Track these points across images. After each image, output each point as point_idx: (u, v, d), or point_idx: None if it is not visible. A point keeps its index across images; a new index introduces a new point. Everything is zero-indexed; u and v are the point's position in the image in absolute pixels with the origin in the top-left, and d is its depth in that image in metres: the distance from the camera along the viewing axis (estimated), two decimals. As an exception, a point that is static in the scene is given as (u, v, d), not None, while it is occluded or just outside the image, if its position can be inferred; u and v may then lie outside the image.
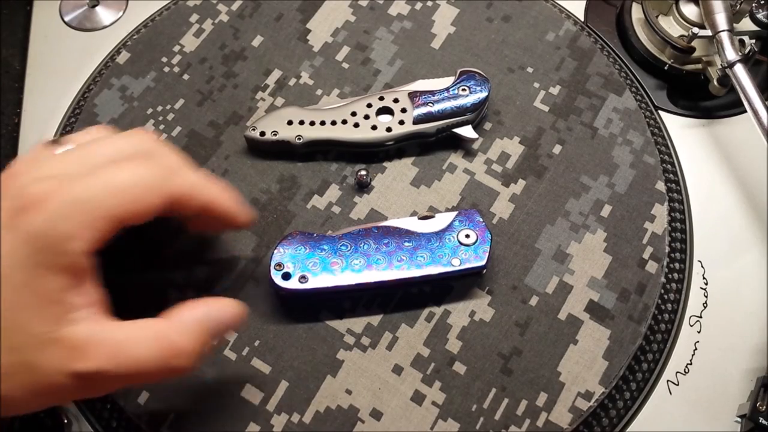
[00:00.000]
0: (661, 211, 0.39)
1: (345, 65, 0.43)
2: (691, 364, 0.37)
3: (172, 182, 0.30)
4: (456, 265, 0.35)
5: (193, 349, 0.30)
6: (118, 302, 0.37)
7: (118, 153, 0.30)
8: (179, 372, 0.29)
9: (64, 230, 0.28)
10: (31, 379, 0.28)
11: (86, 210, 0.28)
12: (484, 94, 0.40)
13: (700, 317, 0.38)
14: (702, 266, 0.40)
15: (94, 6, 0.46)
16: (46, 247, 0.27)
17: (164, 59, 0.44)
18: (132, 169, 0.30)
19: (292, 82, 0.43)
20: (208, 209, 0.32)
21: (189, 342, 0.30)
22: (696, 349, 0.38)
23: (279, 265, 0.35)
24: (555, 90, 0.42)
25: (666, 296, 0.38)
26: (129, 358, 0.28)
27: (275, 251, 0.36)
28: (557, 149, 0.41)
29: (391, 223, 0.37)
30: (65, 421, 0.34)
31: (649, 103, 0.43)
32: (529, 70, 0.43)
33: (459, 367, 0.36)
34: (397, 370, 0.36)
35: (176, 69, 0.43)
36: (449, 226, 0.36)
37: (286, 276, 0.35)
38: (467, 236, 0.36)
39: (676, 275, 0.39)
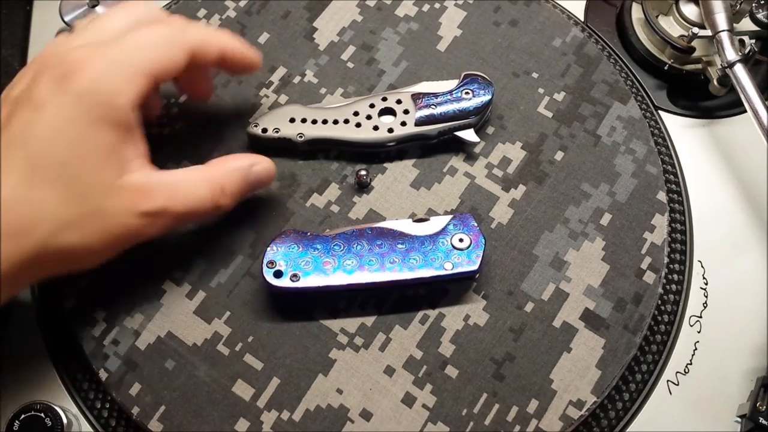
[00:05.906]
0: (661, 221, 0.39)
1: (350, 65, 0.43)
2: (691, 364, 0.37)
3: (188, 35, 0.34)
4: (448, 269, 0.35)
5: (236, 191, 0.35)
6: (115, 295, 0.38)
7: (133, 19, 0.34)
8: (221, 211, 0.34)
9: (110, 87, 0.31)
10: (103, 223, 0.31)
11: (125, 67, 0.31)
12: (487, 98, 0.40)
13: (700, 317, 0.38)
14: (702, 266, 0.39)
15: (94, 6, 0.46)
16: (96, 103, 0.31)
17: (170, 53, 0.44)
18: (153, 28, 0.33)
19: (296, 79, 0.43)
20: (224, 55, 0.36)
21: (233, 185, 0.34)
22: (696, 349, 0.38)
23: (271, 263, 0.35)
24: (559, 96, 0.42)
25: (663, 307, 0.38)
26: (186, 196, 0.33)
27: (268, 249, 0.36)
28: (559, 156, 0.41)
29: (385, 224, 0.37)
30: (65, 421, 0.34)
31: (654, 112, 0.43)
32: (534, 75, 0.43)
33: (451, 371, 0.35)
34: (389, 371, 0.36)
35: (182, 63, 0.43)
36: (443, 230, 0.36)
37: (278, 274, 0.35)
38: (461, 240, 0.36)
39: (674, 286, 0.38)
